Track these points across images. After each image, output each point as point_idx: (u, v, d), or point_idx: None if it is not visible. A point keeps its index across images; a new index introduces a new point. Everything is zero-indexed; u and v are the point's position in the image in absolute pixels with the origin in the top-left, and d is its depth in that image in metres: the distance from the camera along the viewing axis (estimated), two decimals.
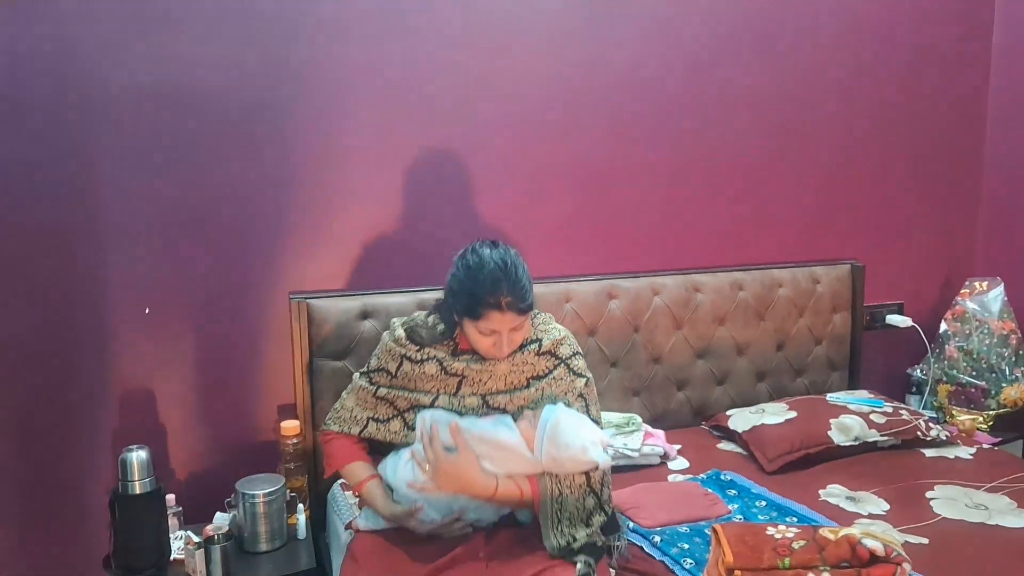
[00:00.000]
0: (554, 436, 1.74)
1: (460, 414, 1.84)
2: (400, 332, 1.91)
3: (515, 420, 1.83)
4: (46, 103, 2.12)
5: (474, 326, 1.78)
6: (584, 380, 1.92)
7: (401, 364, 1.89)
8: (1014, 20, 3.09)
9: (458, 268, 1.81)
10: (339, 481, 2.30)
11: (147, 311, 2.25)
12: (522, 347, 1.89)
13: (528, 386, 1.88)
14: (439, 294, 1.92)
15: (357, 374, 2.00)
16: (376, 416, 1.91)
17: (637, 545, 1.91)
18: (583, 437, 1.74)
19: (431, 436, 1.77)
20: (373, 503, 1.84)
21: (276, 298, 2.36)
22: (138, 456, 1.88)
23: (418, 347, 1.89)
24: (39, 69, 2.10)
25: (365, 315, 2.35)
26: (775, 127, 2.87)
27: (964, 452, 2.49)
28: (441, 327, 1.91)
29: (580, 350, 1.97)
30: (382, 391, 1.91)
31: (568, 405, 1.87)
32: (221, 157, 2.28)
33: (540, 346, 1.90)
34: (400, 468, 1.83)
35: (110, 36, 2.14)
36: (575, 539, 1.73)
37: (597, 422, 1.92)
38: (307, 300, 2.31)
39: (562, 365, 1.91)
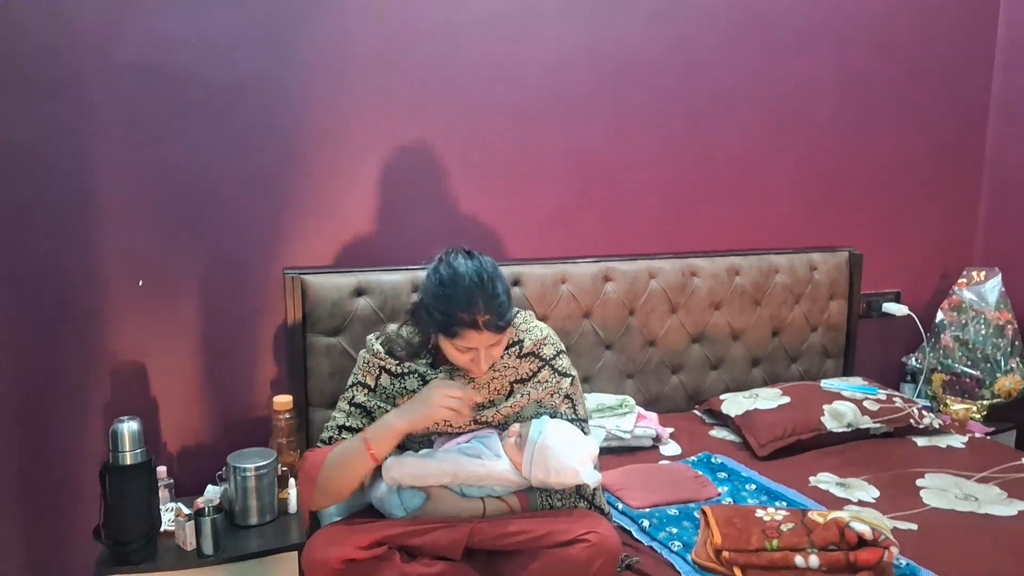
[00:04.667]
0: (542, 461, 1.72)
1: (422, 441, 1.83)
2: (377, 346, 1.83)
3: (501, 437, 1.81)
4: (38, 80, 2.10)
5: (451, 343, 1.70)
6: (569, 379, 1.88)
7: (380, 376, 1.82)
8: (1019, 13, 3.06)
9: (431, 281, 1.72)
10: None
11: (140, 284, 2.25)
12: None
13: (512, 393, 1.85)
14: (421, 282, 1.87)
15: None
16: (349, 424, 1.80)
17: (626, 530, 1.91)
18: (572, 459, 1.72)
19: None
20: (393, 422, 1.70)
21: (270, 273, 2.36)
22: (129, 427, 1.88)
23: (397, 361, 1.81)
24: (31, 46, 2.09)
25: (359, 292, 2.35)
26: (775, 114, 2.85)
27: (957, 441, 2.49)
28: (417, 339, 1.84)
29: (563, 347, 1.92)
30: (359, 398, 1.82)
31: (555, 410, 1.86)
32: (216, 134, 2.26)
33: (521, 348, 1.84)
34: (387, 506, 1.78)
35: (103, 14, 2.13)
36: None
37: (585, 420, 1.92)
38: (301, 276, 2.31)
39: (546, 367, 1.86)
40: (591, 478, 1.72)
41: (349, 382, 1.86)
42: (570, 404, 1.89)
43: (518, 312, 1.89)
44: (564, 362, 1.90)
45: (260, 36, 2.26)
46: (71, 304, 2.21)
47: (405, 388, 1.81)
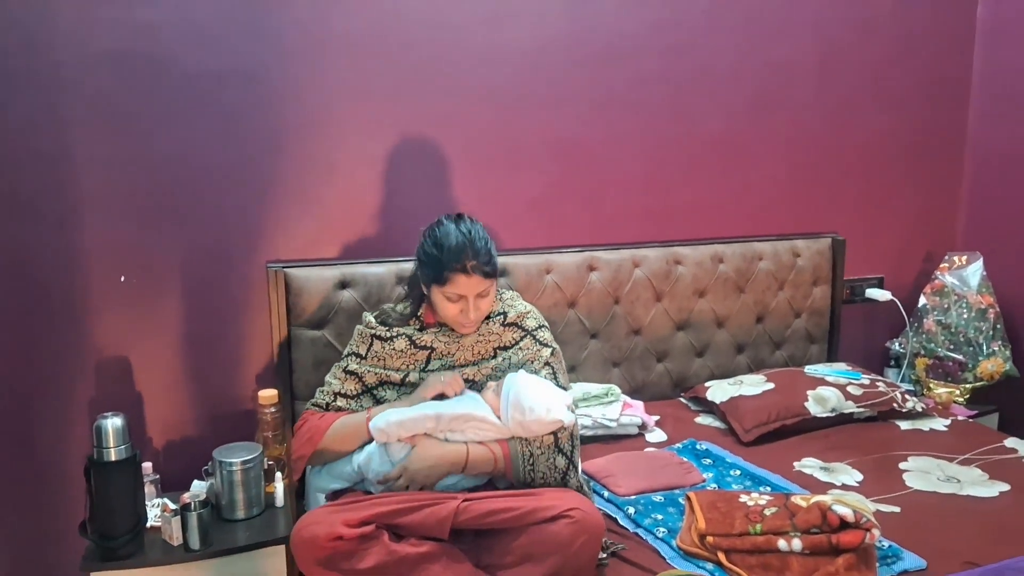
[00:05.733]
0: (517, 402, 1.81)
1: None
2: (370, 318, 2.03)
3: (480, 392, 1.90)
4: (16, 69, 2.09)
5: (441, 292, 1.88)
6: (550, 350, 2.01)
7: (371, 344, 1.98)
8: None
9: (425, 239, 1.93)
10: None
11: (123, 279, 2.24)
12: (488, 318, 2.01)
13: (495, 356, 1.99)
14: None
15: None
16: (344, 391, 1.96)
17: (612, 517, 1.92)
18: (547, 398, 1.82)
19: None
20: (393, 413, 1.83)
21: (253, 267, 2.35)
22: (113, 423, 1.87)
23: (387, 328, 1.99)
24: (7, 35, 2.07)
25: (344, 285, 2.34)
26: (757, 100, 2.86)
27: (939, 424, 2.51)
28: (408, 310, 2.03)
29: (546, 323, 2.07)
30: (352, 366, 1.98)
31: (536, 372, 1.95)
32: (197, 124, 2.25)
33: (506, 317, 2.02)
34: (374, 464, 1.83)
35: (80, 1, 2.11)
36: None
37: (565, 389, 1.97)
38: (284, 269, 2.30)
39: (528, 336, 2.02)
40: (565, 416, 1.81)
41: (345, 352, 2.03)
42: (550, 371, 1.98)
43: (505, 290, 2.14)
44: (546, 335, 2.05)
45: (240, 23, 2.25)
46: (53, 298, 2.20)
47: (394, 349, 1.97)
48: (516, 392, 1.82)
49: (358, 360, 1.98)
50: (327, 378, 2.02)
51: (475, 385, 1.95)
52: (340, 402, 1.95)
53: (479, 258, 1.84)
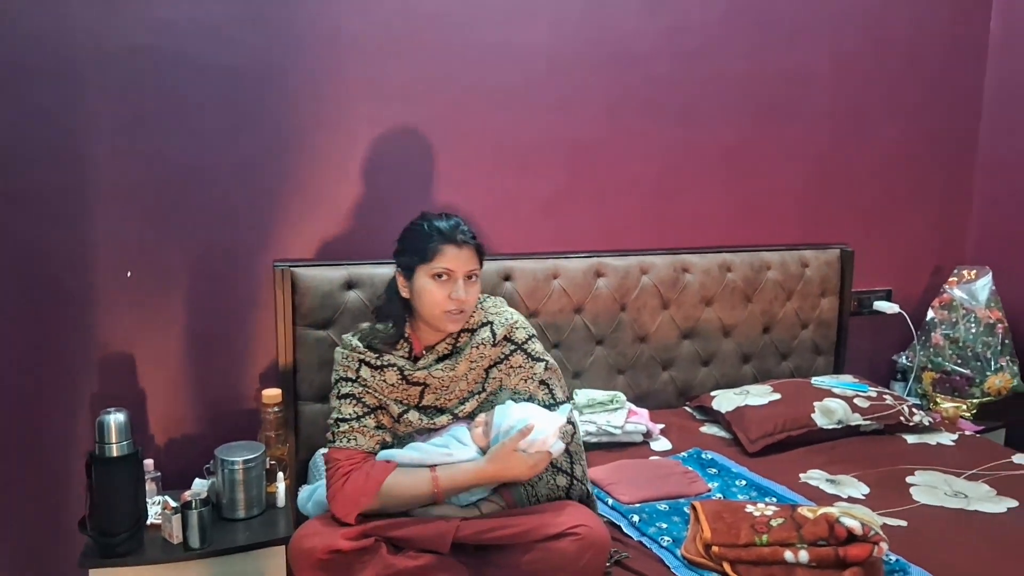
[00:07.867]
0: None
1: (405, 438, 1.83)
2: (355, 342, 1.82)
3: (469, 427, 1.82)
4: (31, 65, 2.09)
5: (429, 272, 1.75)
6: (543, 364, 1.86)
7: (360, 369, 1.79)
8: (1012, 5, 3.07)
9: (410, 225, 1.86)
10: (320, 451, 2.28)
11: (129, 274, 2.23)
12: (474, 332, 1.85)
13: (487, 376, 1.85)
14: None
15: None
16: (342, 416, 1.77)
17: (616, 525, 1.91)
18: (535, 433, 1.70)
19: None
20: (469, 478, 1.71)
21: (260, 265, 2.34)
22: (115, 419, 1.86)
23: (377, 354, 1.80)
24: (22, 31, 2.07)
25: (350, 285, 2.33)
26: (768, 108, 2.85)
27: (946, 439, 2.49)
28: (392, 328, 1.84)
29: (535, 332, 1.91)
30: (345, 390, 1.78)
31: (531, 396, 1.84)
32: (207, 122, 2.24)
33: (494, 336, 1.84)
34: None
35: None
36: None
37: (565, 402, 1.86)
38: (291, 268, 2.29)
39: (519, 351, 1.85)
40: (555, 448, 1.71)
41: (332, 380, 1.83)
42: (547, 389, 1.85)
43: (487, 296, 1.94)
44: (537, 347, 1.88)
45: (252, 21, 2.25)
46: (59, 293, 2.19)
47: (384, 381, 1.79)
48: (506, 433, 1.72)
49: (349, 383, 1.78)
50: (331, 415, 1.81)
51: (472, 416, 1.85)
52: (343, 428, 1.74)
53: (463, 232, 1.78)
